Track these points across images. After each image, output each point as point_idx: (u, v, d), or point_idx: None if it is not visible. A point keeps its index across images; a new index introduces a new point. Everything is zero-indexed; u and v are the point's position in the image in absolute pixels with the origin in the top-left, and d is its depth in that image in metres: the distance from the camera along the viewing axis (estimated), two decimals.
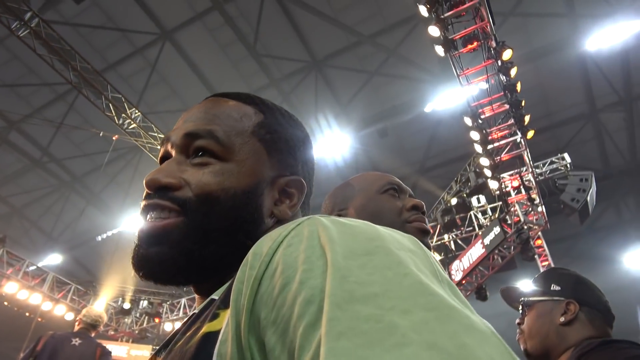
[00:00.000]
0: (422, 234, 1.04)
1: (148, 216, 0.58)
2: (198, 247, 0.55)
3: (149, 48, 9.97)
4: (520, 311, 1.41)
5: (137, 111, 8.29)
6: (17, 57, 9.68)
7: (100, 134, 8.85)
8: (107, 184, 12.13)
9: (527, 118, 6.70)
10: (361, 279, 0.35)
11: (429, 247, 1.05)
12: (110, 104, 7.97)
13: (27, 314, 8.90)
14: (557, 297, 1.32)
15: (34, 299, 8.65)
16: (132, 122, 8.16)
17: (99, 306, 9.44)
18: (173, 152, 0.62)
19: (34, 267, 9.20)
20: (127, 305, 10.01)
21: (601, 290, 1.37)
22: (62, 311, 9.07)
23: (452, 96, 9.08)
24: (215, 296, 0.51)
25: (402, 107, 10.51)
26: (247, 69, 10.26)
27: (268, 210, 0.61)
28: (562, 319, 1.28)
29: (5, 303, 8.60)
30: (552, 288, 1.35)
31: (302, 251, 0.40)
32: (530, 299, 1.38)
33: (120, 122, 8.13)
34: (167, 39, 9.81)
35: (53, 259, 12.12)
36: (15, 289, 8.41)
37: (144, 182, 0.59)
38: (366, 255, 0.37)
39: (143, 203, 0.59)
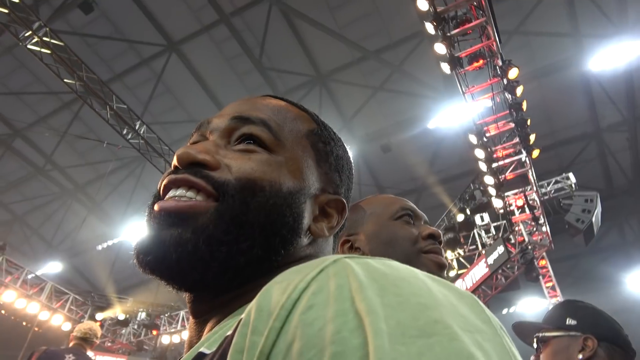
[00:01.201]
0: (439, 268, 0.99)
1: (171, 193, 0.49)
2: (230, 239, 0.46)
3: (155, 59, 10.04)
4: (535, 347, 1.35)
5: (141, 122, 8.31)
6: (24, 66, 9.75)
7: (104, 144, 8.86)
8: (109, 193, 12.12)
9: (532, 137, 6.69)
10: None
11: None
12: (114, 114, 7.99)
13: (24, 324, 8.81)
14: (574, 332, 1.27)
15: (32, 308, 8.58)
16: (136, 133, 8.17)
17: (99, 316, 9.37)
18: (211, 137, 0.55)
19: (33, 275, 9.15)
20: (122, 316, 9.90)
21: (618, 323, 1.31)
22: (59, 321, 8.98)
23: (455, 113, 9.09)
24: (206, 349, 0.41)
25: (405, 122, 10.52)
26: (252, 81, 10.31)
27: (307, 222, 0.53)
28: (580, 356, 1.23)
29: (2, 312, 8.53)
30: (567, 322, 1.29)
31: (330, 320, 0.29)
32: (545, 334, 1.31)
33: (125, 132, 8.14)
34: (173, 51, 9.88)
35: (52, 267, 12.05)
36: (13, 298, 8.35)
37: (175, 155, 0.51)
38: (422, 338, 0.27)
39: (168, 178, 0.50)
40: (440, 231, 1.05)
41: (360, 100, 10.44)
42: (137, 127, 8.11)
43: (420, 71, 9.72)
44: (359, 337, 0.27)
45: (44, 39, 6.94)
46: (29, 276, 8.97)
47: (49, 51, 7.02)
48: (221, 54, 9.94)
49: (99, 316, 9.52)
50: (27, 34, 6.91)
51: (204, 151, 0.51)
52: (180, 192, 0.49)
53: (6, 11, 6.66)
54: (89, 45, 9.63)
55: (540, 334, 1.32)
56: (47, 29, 7.01)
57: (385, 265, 0.34)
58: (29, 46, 6.99)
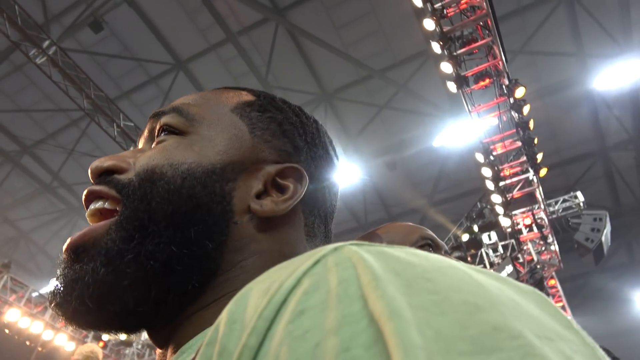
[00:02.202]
0: None
1: (88, 211, 0.44)
2: (133, 246, 0.39)
3: (163, 77, 10.14)
4: None
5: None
6: (33, 83, 9.87)
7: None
8: None
9: (539, 156, 6.68)
10: None
11: None
12: (121, 132, 8.05)
13: (27, 343, 8.73)
14: None
15: (36, 327, 8.51)
16: None
17: (105, 337, 9.27)
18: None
19: (37, 294, 9.11)
20: (123, 336, 9.79)
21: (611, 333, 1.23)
22: (63, 341, 8.89)
23: (460, 131, 9.10)
24: None
25: (410, 140, 10.54)
26: None
27: (242, 202, 0.44)
28: None
29: (6, 331, 8.46)
30: None
31: (332, 332, 0.19)
32: None
33: (131, 149, 8.19)
34: (181, 69, 9.99)
35: None
36: (17, 317, 8.29)
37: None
38: (479, 355, 0.17)
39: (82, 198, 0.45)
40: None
41: (366, 119, 10.48)
42: (139, 135, 8.14)
43: (425, 89, 9.77)
44: (378, 356, 0.18)
45: (53, 57, 7.03)
46: (34, 294, 8.93)
47: (58, 69, 7.11)
48: (228, 72, 10.04)
49: (105, 336, 9.43)
50: (37, 52, 7.01)
51: (114, 158, 0.45)
52: (92, 205, 0.44)
53: (18, 30, 6.78)
54: (98, 63, 9.76)
55: None
56: (57, 47, 7.11)
57: (409, 253, 0.24)
58: (38, 64, 7.09)
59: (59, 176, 11.67)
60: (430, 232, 1.07)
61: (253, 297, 0.24)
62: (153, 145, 0.47)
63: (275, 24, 9.28)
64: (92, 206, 0.44)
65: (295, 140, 0.49)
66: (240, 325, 0.23)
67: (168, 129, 0.47)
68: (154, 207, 0.40)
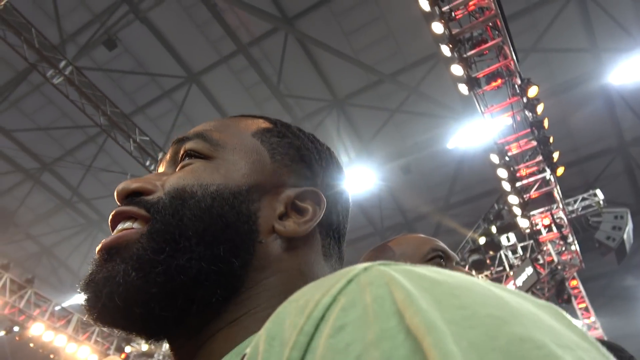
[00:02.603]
0: None
1: (115, 231, 0.46)
2: (164, 258, 0.40)
3: (176, 91, 10.29)
4: None
5: (163, 153, 8.48)
6: (52, 102, 10.11)
7: (128, 176, 9.03)
8: None
9: (556, 155, 6.58)
10: None
11: None
12: (138, 146, 8.18)
13: (51, 357, 8.89)
14: None
15: (59, 340, 8.66)
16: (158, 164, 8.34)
17: (127, 349, 9.39)
18: (161, 168, 0.53)
19: (60, 308, 9.27)
20: (145, 347, 9.89)
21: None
22: (86, 354, 9.03)
23: (474, 132, 9.03)
24: None
25: (424, 143, 10.48)
26: (270, 109, 10.45)
27: (267, 222, 0.46)
28: None
29: (31, 345, 8.63)
30: None
31: (372, 345, 0.21)
32: None
33: (148, 163, 8.31)
34: (193, 82, 10.12)
35: (79, 298, 12.19)
36: (41, 331, 8.45)
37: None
38: None
39: (110, 216, 0.47)
40: (472, 274, 1.02)
41: (378, 123, 10.47)
42: (159, 158, 8.27)
43: (437, 92, 9.73)
44: None
45: (70, 76, 7.20)
46: (57, 308, 9.09)
47: (74, 87, 7.28)
48: (240, 83, 10.14)
49: (128, 348, 9.54)
50: (54, 72, 7.18)
51: (140, 180, 0.48)
52: (120, 226, 0.45)
53: (35, 51, 6.96)
54: (113, 79, 9.95)
55: None
56: (73, 66, 7.27)
57: (433, 271, 0.26)
58: (55, 83, 7.26)
59: (78, 191, 11.89)
60: (442, 244, 1.07)
61: (290, 315, 0.25)
62: (177, 169, 0.49)
63: (285, 33, 9.35)
64: (119, 226, 0.45)
65: (312, 165, 0.52)
66: (280, 342, 0.24)
67: (193, 154, 0.49)
68: (185, 223, 0.42)
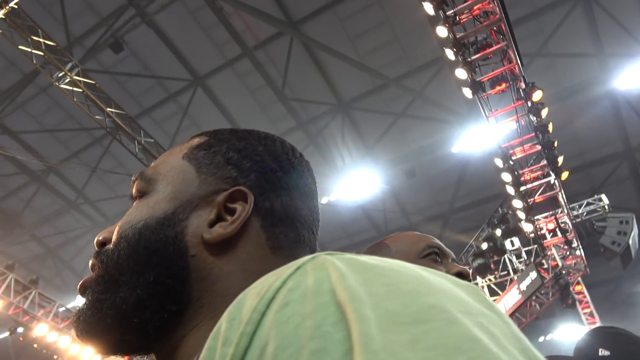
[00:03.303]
0: None
1: None
2: (109, 295, 0.48)
3: (182, 94, 10.35)
4: None
5: None
6: (58, 104, 10.19)
7: (132, 178, 9.07)
8: None
9: (560, 159, 6.55)
10: None
11: None
12: (143, 149, 8.22)
13: (55, 357, 8.91)
14: None
15: (63, 341, 8.68)
16: None
17: None
18: None
19: (64, 309, 9.30)
20: None
21: None
22: (89, 355, 9.05)
23: (479, 136, 9.02)
24: None
25: (429, 148, 10.47)
26: (275, 112, 10.48)
27: (196, 236, 0.49)
28: None
29: (35, 345, 8.66)
30: (600, 353, 1.20)
31: (308, 316, 0.26)
32: None
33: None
34: (199, 85, 10.17)
35: (83, 299, 12.25)
36: (45, 331, 8.47)
37: None
38: (415, 325, 0.24)
39: None
40: (468, 270, 1.02)
41: (383, 127, 10.47)
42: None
43: (442, 96, 9.72)
44: (342, 331, 0.24)
45: (76, 78, 7.26)
46: (60, 309, 9.12)
47: (80, 90, 7.33)
48: (245, 87, 10.18)
49: None
50: (60, 74, 7.24)
51: (107, 230, 0.55)
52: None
53: (42, 53, 7.03)
54: (119, 82, 10.02)
55: None
56: (79, 68, 7.33)
57: (372, 258, 0.31)
58: (62, 85, 7.31)
59: (84, 193, 11.96)
60: (437, 241, 1.08)
61: (248, 299, 0.30)
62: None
63: (290, 37, 9.39)
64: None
65: (240, 164, 0.54)
66: (238, 321, 0.29)
67: (137, 195, 0.55)
68: (120, 263, 0.49)
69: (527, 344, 0.26)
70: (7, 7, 5.90)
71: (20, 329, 8.49)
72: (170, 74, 9.97)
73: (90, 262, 0.54)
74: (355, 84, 10.06)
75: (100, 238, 0.54)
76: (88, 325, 0.48)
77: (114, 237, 0.52)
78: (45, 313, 8.71)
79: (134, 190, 0.56)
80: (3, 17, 5.97)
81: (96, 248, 0.55)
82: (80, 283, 0.53)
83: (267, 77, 9.93)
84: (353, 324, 0.24)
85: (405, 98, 10.12)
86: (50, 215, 12.30)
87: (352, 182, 10.48)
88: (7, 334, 8.85)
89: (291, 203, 0.54)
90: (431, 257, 1.01)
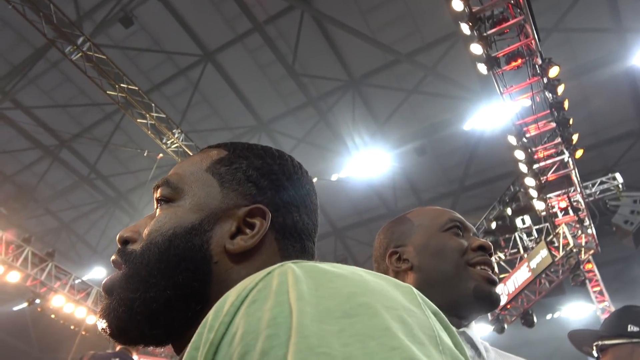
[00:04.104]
0: (489, 284, 0.96)
1: None
2: (139, 294, 0.53)
3: (192, 69, 10.29)
4: (595, 356, 1.30)
5: (179, 130, 8.54)
6: (69, 79, 10.20)
7: (145, 154, 9.13)
8: (149, 200, 12.48)
9: (575, 137, 6.46)
10: (334, 351, 0.28)
11: (497, 300, 0.96)
12: (154, 124, 8.24)
13: (72, 327, 9.17)
14: (637, 339, 1.22)
15: (79, 312, 8.92)
16: (175, 141, 8.40)
17: None
18: None
19: (79, 281, 9.52)
20: None
21: None
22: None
23: (492, 113, 8.89)
24: None
25: (440, 125, 10.37)
26: (285, 88, 10.41)
27: (219, 245, 0.56)
28: None
29: (52, 316, 8.91)
30: (629, 329, 1.23)
31: (268, 310, 0.33)
32: (606, 342, 1.27)
33: (164, 141, 8.38)
34: (209, 60, 10.10)
35: (97, 272, 12.51)
36: (61, 303, 8.71)
37: None
38: (344, 318, 0.31)
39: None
40: (490, 243, 1.02)
41: (394, 104, 10.36)
42: (175, 136, 8.33)
43: (454, 72, 9.57)
44: (290, 322, 0.32)
45: (87, 53, 7.24)
46: (76, 281, 9.34)
47: (92, 64, 7.32)
48: (255, 62, 10.09)
49: None
50: (72, 49, 7.22)
51: (131, 228, 0.60)
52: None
53: (52, 28, 7.00)
54: (129, 57, 9.98)
55: (601, 342, 1.27)
56: (91, 43, 7.30)
57: (330, 265, 0.38)
58: (73, 59, 7.30)
59: (96, 168, 12.08)
60: (458, 215, 1.08)
61: (230, 297, 0.38)
62: (157, 212, 0.60)
63: (301, 12, 9.24)
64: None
65: (259, 182, 0.61)
66: (221, 313, 0.36)
67: (162, 199, 0.60)
68: (151, 266, 0.54)
69: (439, 334, 0.33)
70: None
71: (37, 300, 8.73)
72: (181, 49, 9.90)
73: (113, 257, 0.59)
74: (366, 60, 9.92)
75: (125, 235, 0.59)
76: (119, 321, 0.53)
77: (143, 241, 0.57)
78: (61, 285, 8.93)
79: (157, 195, 0.61)
80: None
81: (118, 244, 0.60)
82: (105, 281, 0.58)
83: (278, 52, 9.83)
84: (294, 317, 0.31)
85: (417, 74, 9.97)
86: (63, 189, 12.46)
87: (362, 159, 10.45)
88: (25, 304, 9.11)
89: (299, 219, 0.61)
90: (453, 230, 1.02)
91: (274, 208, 0.59)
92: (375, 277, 0.37)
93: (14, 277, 8.26)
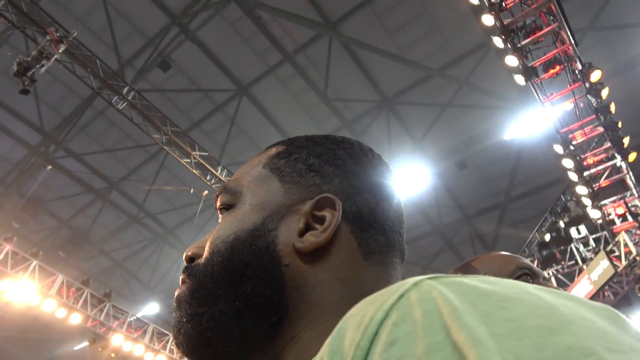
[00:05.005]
0: None
1: None
2: (206, 308, 0.48)
3: (228, 104, 10.62)
4: None
5: (222, 166, 8.78)
6: (115, 125, 10.73)
7: (191, 191, 9.41)
8: (196, 234, 12.80)
9: (626, 140, 6.19)
10: None
11: None
12: (197, 162, 8.51)
13: None
14: None
15: (137, 350, 9.16)
16: (218, 177, 8.63)
17: None
18: None
19: (135, 318, 9.81)
20: None
21: None
22: None
23: (533, 120, 8.65)
24: None
25: (479, 136, 10.18)
26: (319, 114, 10.54)
27: (287, 245, 0.49)
28: None
29: (112, 355, 9.19)
30: None
31: (421, 359, 0.23)
32: None
33: (208, 178, 8.63)
34: (243, 94, 10.40)
35: (151, 308, 12.86)
36: (120, 342, 8.98)
37: None
38: None
39: None
40: (559, 289, 1.00)
41: (429, 119, 10.28)
42: (218, 172, 8.56)
43: (488, 82, 9.42)
44: None
45: (132, 101, 7.61)
46: (132, 319, 9.62)
47: (137, 111, 7.68)
48: (288, 91, 10.30)
49: None
50: (118, 99, 7.62)
51: (195, 245, 0.55)
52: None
53: (99, 80, 7.42)
54: (168, 98, 10.41)
55: None
56: (135, 91, 7.68)
57: (484, 281, 0.27)
58: (120, 108, 7.69)
59: (144, 207, 12.54)
60: (527, 261, 1.06)
61: (348, 330, 0.28)
62: (220, 221, 0.56)
63: (329, 38, 9.40)
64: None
65: (322, 169, 0.54)
66: (340, 356, 0.27)
67: (223, 207, 0.55)
68: (215, 277, 0.49)
69: None
70: (67, 41, 6.28)
71: (97, 340, 9.04)
72: (216, 85, 10.25)
73: (181, 277, 0.55)
74: (397, 79, 9.94)
75: (190, 253, 0.55)
76: (189, 338, 0.48)
77: (205, 253, 0.52)
78: (119, 324, 9.22)
79: (218, 204, 0.56)
80: (64, 50, 6.36)
81: (185, 263, 0.56)
82: (176, 295, 0.54)
83: (309, 79, 10.00)
84: None
85: (451, 88, 9.89)
86: (115, 230, 12.98)
87: (402, 177, 10.37)
88: (86, 344, 9.45)
89: (377, 206, 0.53)
90: (522, 278, 0.99)
91: (344, 196, 0.52)
92: (555, 294, 0.26)
93: (76, 319, 8.61)
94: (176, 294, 0.53)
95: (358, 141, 0.59)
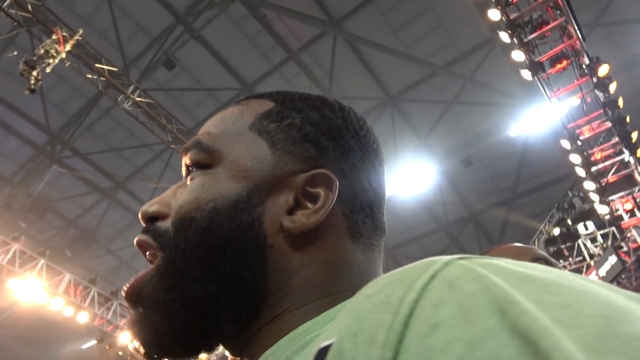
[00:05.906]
0: None
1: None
2: (177, 293, 0.41)
3: (233, 102, 10.60)
4: None
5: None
6: (120, 124, 10.76)
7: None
8: None
9: (634, 135, 6.15)
10: None
11: None
12: None
13: None
14: None
15: None
16: None
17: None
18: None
19: None
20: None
21: None
22: None
23: (539, 116, 8.61)
24: None
25: (484, 133, 10.14)
26: None
27: (274, 223, 0.43)
28: None
29: (120, 353, 9.23)
30: None
31: (475, 345, 0.21)
32: None
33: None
34: (248, 92, 10.40)
35: None
36: (128, 340, 9.01)
37: None
38: None
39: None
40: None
41: (434, 117, 10.26)
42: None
43: (494, 79, 9.39)
44: None
45: (137, 99, 7.63)
46: None
47: (142, 110, 7.70)
48: (293, 89, 10.15)
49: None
50: (123, 97, 7.64)
51: (157, 201, 0.47)
52: (146, 254, 0.46)
53: (105, 79, 7.45)
54: (173, 97, 10.44)
55: None
56: (140, 90, 7.70)
57: (516, 265, 0.25)
58: (126, 107, 7.72)
59: None
60: (542, 252, 1.05)
61: (370, 312, 0.25)
62: (188, 181, 0.47)
63: (333, 36, 9.40)
64: (147, 254, 0.47)
65: (319, 141, 0.47)
66: (364, 339, 0.23)
67: (195, 165, 0.47)
68: (189, 253, 0.42)
69: None
70: (73, 40, 6.31)
71: (105, 338, 9.09)
72: (221, 84, 10.27)
73: (138, 238, 0.46)
74: (402, 76, 9.92)
75: (151, 210, 0.46)
76: (155, 335, 0.41)
77: (173, 217, 0.44)
78: (126, 322, 9.25)
79: (186, 161, 0.48)
80: (70, 49, 6.39)
81: (142, 222, 0.47)
82: (127, 288, 0.44)
83: (314, 77, 10.00)
84: None
85: (455, 84, 9.86)
86: (121, 229, 13.02)
87: (408, 175, 10.35)
88: (94, 342, 9.50)
89: (370, 187, 0.48)
90: None
91: (340, 174, 0.46)
92: (590, 282, 0.25)
93: (83, 317, 8.65)
94: (129, 284, 0.44)
95: (353, 109, 0.53)
